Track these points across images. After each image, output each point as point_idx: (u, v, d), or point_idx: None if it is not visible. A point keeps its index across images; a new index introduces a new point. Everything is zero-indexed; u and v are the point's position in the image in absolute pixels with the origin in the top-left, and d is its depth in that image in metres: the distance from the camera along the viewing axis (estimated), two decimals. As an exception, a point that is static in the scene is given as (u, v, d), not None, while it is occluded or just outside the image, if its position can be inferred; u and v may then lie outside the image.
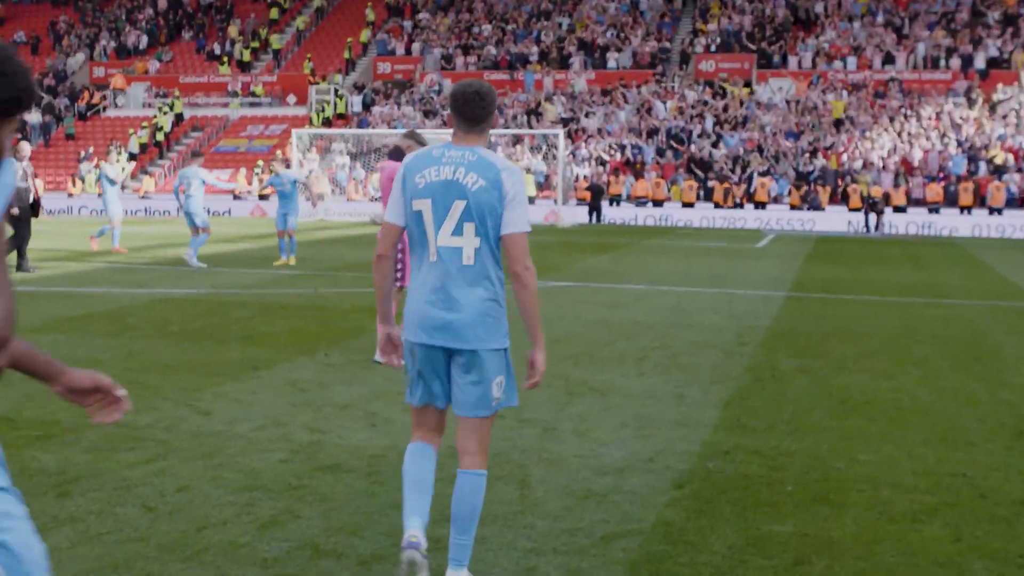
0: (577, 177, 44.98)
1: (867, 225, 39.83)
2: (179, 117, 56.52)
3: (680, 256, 27.31)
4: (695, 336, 14.05)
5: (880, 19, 54.18)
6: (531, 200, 44.71)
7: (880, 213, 39.51)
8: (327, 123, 53.29)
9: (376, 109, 53.32)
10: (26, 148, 21.37)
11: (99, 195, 28.75)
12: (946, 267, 25.97)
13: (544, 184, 45.32)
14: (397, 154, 11.68)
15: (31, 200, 21.17)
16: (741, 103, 49.62)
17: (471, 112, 5.35)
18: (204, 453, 7.87)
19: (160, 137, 54.85)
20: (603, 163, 46.18)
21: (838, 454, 8.17)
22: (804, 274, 23.07)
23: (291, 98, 56.86)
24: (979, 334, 14.98)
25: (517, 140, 48.37)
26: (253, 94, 57.82)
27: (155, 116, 55.60)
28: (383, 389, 10.27)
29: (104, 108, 58.91)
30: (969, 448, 8.45)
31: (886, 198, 40.53)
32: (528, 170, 46.08)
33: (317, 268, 22.39)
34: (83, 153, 52.41)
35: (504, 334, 5.36)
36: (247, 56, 60.79)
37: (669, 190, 44.31)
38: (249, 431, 8.58)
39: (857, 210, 42.01)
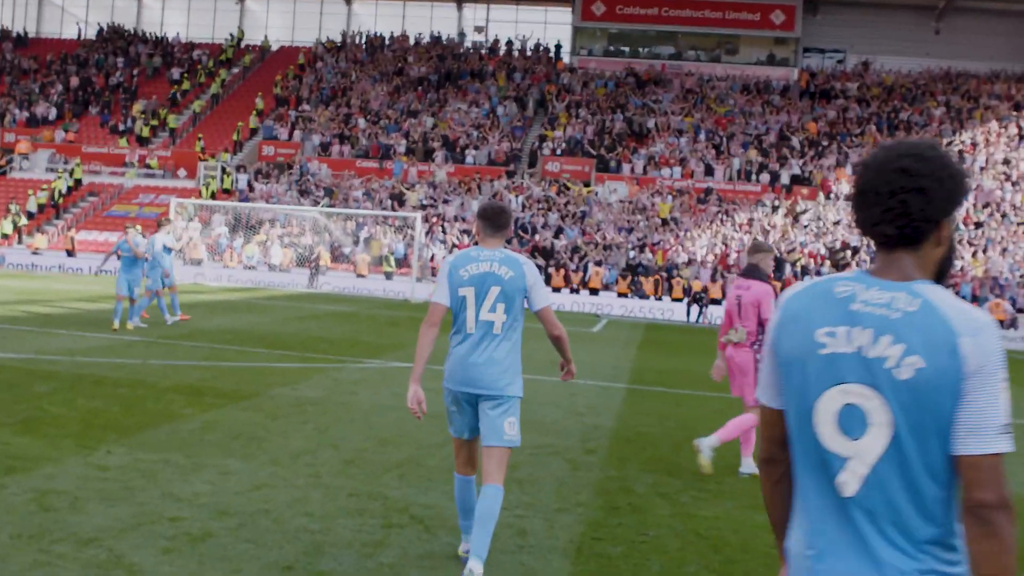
0: (433, 256, 41.87)
1: (688, 315, 37.32)
2: (78, 182, 52.01)
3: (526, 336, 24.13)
4: (538, 438, 10.89)
5: (702, 136, 52.47)
6: (390, 276, 41.44)
7: (703, 305, 37.05)
8: (213, 196, 49.31)
9: (258, 187, 49.59)
10: None
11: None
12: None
13: (403, 262, 42.04)
14: (753, 272, 10.50)
15: None
16: (582, 200, 47.27)
17: (496, 222, 6.42)
18: None
19: (57, 199, 50.31)
20: (455, 246, 43.13)
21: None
22: (640, 363, 20.10)
23: (182, 172, 52.77)
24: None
25: (381, 221, 45.06)
26: (148, 166, 53.57)
27: (54, 180, 51.09)
28: (148, 514, 6.81)
29: (8, 170, 54.03)
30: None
31: (705, 291, 38.25)
32: (389, 249, 42.85)
33: (163, 334, 18.70)
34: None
35: (520, 386, 6.34)
36: (146, 132, 56.51)
37: (514, 273, 41.35)
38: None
39: (679, 300, 39.69)
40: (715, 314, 37.46)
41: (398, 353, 18.31)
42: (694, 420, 13.26)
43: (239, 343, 18.08)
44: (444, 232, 44.23)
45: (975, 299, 39.52)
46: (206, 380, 13.58)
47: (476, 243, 6.50)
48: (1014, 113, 54.01)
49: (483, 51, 62.42)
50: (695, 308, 37.15)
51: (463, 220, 45.64)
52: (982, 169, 49.40)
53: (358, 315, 25.12)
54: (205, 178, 50.82)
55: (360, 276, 41.02)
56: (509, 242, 43.53)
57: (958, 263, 41.72)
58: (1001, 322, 37.41)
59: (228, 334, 19.40)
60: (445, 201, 47.48)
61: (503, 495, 6.25)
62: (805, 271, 41.13)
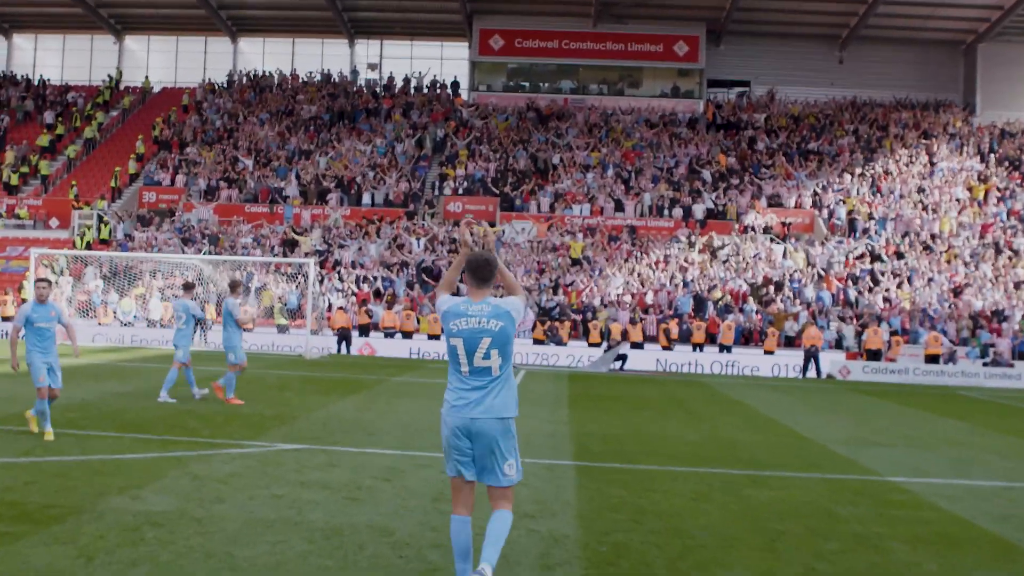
0: (330, 306, 38.07)
1: (613, 366, 33.91)
2: (-61, 236, 47.19)
3: (436, 399, 20.46)
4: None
5: (610, 172, 49.66)
6: (284, 329, 37.49)
7: (623, 355, 33.67)
8: (89, 247, 44.85)
9: (138, 235, 45.30)
10: None
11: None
12: (717, 413, 20.09)
13: (297, 313, 38.14)
14: None
15: None
16: (488, 241, 43.77)
17: (483, 275, 6.90)
18: None
19: (-85, 254, 45.46)
20: (355, 294, 39.39)
21: None
22: (579, 427, 16.62)
23: (54, 222, 48.21)
24: (838, 525, 8.80)
25: (272, 269, 41.14)
26: (17, 216, 48.89)
27: (-89, 234, 46.24)
28: None
29: None
30: None
31: (623, 335, 35.02)
32: (280, 299, 38.90)
33: (-13, 416, 14.74)
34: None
35: (515, 425, 6.91)
36: (15, 180, 51.82)
37: (418, 322, 37.75)
38: None
39: (596, 345, 36.49)
40: (640, 361, 34.24)
41: (286, 430, 14.62)
42: (677, 513, 9.88)
43: (83, 424, 14.22)
44: (341, 279, 40.48)
45: (905, 332, 37.09)
46: (14, 489, 9.81)
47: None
48: (923, 141, 52.34)
49: (377, 88, 58.98)
50: (617, 361, 33.75)
51: (361, 266, 41.96)
52: (902, 198, 47.38)
53: (242, 378, 21.32)
54: (80, 228, 46.40)
55: (246, 330, 36.83)
56: (411, 287, 40.01)
57: (880, 296, 39.34)
58: (938, 356, 34.93)
59: (72, 412, 15.48)
60: (341, 245, 43.74)
61: (512, 519, 6.80)
62: (728, 309, 38.31)
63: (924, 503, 11.29)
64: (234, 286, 18.62)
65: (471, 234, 7.58)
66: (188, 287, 19.34)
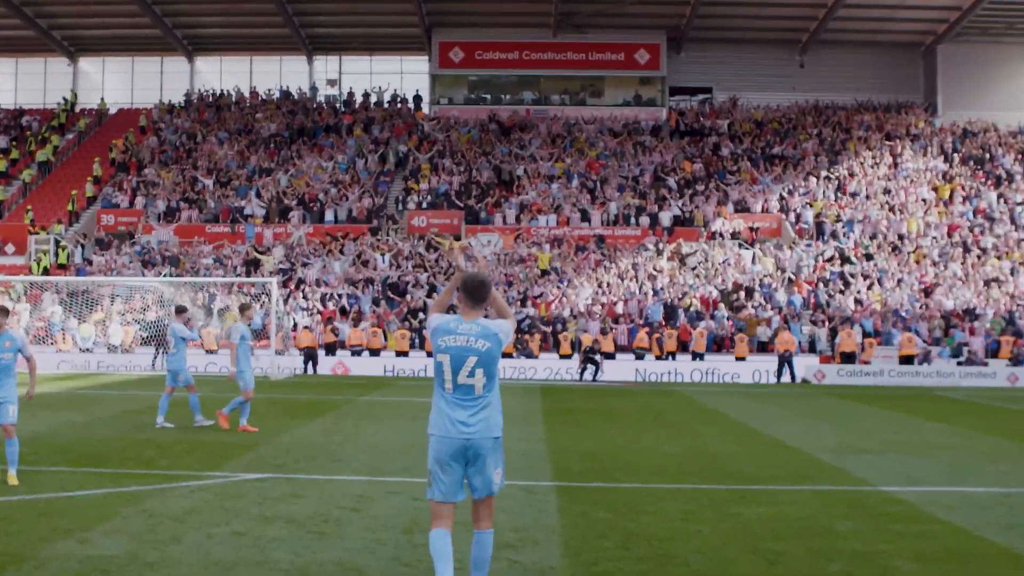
0: (296, 325, 37.17)
1: (582, 374, 33.29)
2: None
3: (405, 418, 19.75)
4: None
5: (575, 182, 49.09)
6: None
7: (596, 363, 33.07)
8: (46, 272, 43.77)
9: (96, 259, 44.26)
10: None
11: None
12: (695, 424, 19.48)
13: (261, 333, 37.18)
14: None
15: None
16: (453, 255, 43.08)
17: (478, 296, 7.00)
18: None
19: None
20: (320, 312, 38.52)
21: None
22: (555, 444, 15.96)
23: (10, 247, 47.06)
24: (838, 543, 8.19)
25: (236, 290, 40.21)
26: (-29, 243, 47.77)
27: None
28: None
29: None
30: None
31: (594, 345, 34.25)
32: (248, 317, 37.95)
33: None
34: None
35: (500, 439, 7.00)
36: (-31, 207, 50.70)
37: (385, 338, 36.95)
38: None
39: (567, 356, 35.86)
40: (602, 369, 33.55)
41: (248, 458, 13.85)
42: (667, 537, 9.23)
43: (32, 460, 13.39)
44: (306, 298, 39.62)
45: (877, 334, 36.73)
46: (-50, 536, 9.02)
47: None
48: (887, 143, 52.17)
49: (338, 104, 58.19)
50: (589, 367, 33.15)
51: (326, 284, 41.12)
52: (868, 199, 47.12)
53: (205, 402, 20.45)
54: (36, 253, 45.29)
55: (209, 352, 36.03)
56: (377, 304, 39.24)
57: (851, 298, 38.98)
58: (912, 358, 34.55)
59: (23, 447, 14.60)
60: (305, 263, 42.90)
61: (493, 536, 7.10)
62: (699, 316, 37.81)
63: (923, 514, 10.70)
64: (243, 309, 18.19)
65: (468, 259, 7.72)
66: (180, 311, 18.86)
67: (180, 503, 10.63)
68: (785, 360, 33.96)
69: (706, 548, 8.98)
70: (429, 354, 35.53)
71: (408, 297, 39.64)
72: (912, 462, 14.65)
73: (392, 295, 40.03)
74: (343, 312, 38.46)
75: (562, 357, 35.99)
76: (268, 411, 19.07)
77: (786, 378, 33.87)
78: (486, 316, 7.17)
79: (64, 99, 59.66)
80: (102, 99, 59.87)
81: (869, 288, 39.75)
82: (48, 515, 9.95)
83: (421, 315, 37.37)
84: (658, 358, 35.69)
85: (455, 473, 6.88)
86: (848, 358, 35.07)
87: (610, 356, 35.07)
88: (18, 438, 11.95)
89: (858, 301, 38.96)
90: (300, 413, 19.95)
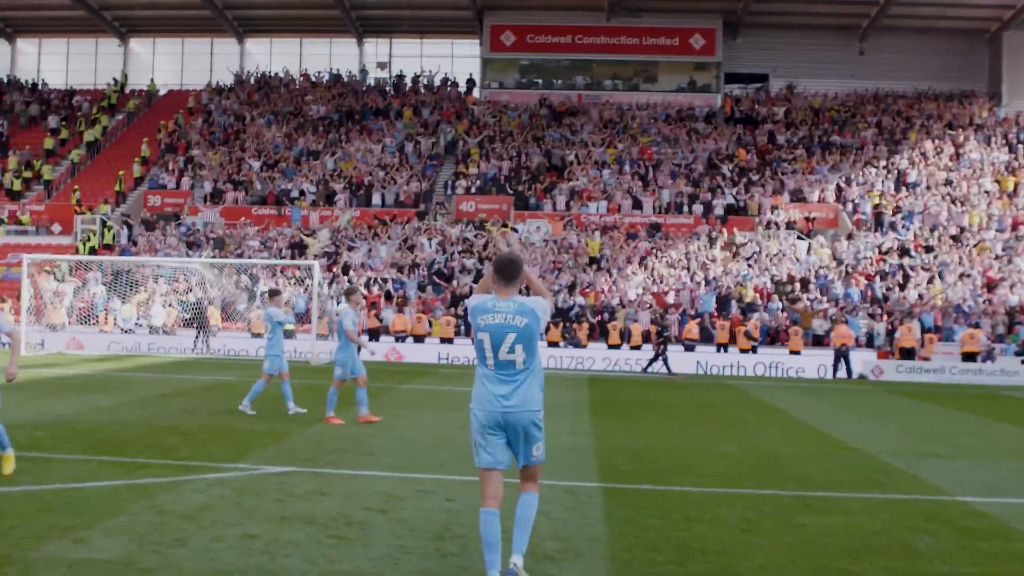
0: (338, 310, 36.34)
1: (652, 364, 31.85)
2: (-60, 243, 45.73)
3: (445, 408, 18.80)
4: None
5: (627, 168, 47.92)
6: (291, 335, 35.77)
7: (662, 351, 31.65)
8: (92, 252, 43.33)
9: (141, 240, 43.80)
10: None
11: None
12: (752, 421, 18.36)
13: (304, 317, 36.41)
14: None
15: None
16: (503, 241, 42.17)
17: (508, 273, 7.17)
18: None
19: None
20: (364, 297, 37.70)
21: None
22: (603, 440, 14.94)
23: (56, 227, 46.74)
24: (920, 564, 7.19)
25: (280, 272, 39.51)
26: (19, 222, 47.44)
27: (-90, 242, 44.79)
28: None
29: None
30: None
31: (660, 334, 32.51)
32: (287, 303, 37.23)
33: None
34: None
35: (542, 412, 7.16)
36: (18, 186, 50.42)
37: (430, 325, 36.09)
38: None
39: (616, 347, 34.80)
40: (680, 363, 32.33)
41: (274, 450, 12.95)
42: (726, 550, 8.19)
43: (48, 446, 12.60)
44: (350, 282, 38.83)
45: (938, 329, 35.29)
46: (-64, 532, 8.19)
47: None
48: (949, 132, 50.44)
49: (387, 87, 57.37)
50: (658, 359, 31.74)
51: (371, 268, 40.33)
52: (928, 190, 45.53)
53: (239, 387, 19.67)
54: (83, 232, 44.86)
55: (256, 335, 35.41)
56: (423, 289, 38.38)
57: (914, 291, 37.52)
58: (975, 355, 33.10)
59: (42, 430, 13.89)
60: (350, 247, 42.12)
61: (538, 499, 7.18)
62: (752, 307, 36.56)
63: (1011, 531, 9.57)
64: (349, 293, 16.97)
65: (507, 244, 6.67)
66: (273, 293, 17.70)
67: (194, 499, 9.75)
68: (842, 354, 32.68)
69: (770, 565, 7.94)
70: (378, 333, 35.28)
71: (455, 283, 38.74)
72: (989, 468, 13.48)
73: (438, 280, 39.15)
74: (388, 297, 37.64)
75: (610, 347, 34.92)
76: (303, 398, 18.18)
77: (842, 373, 32.61)
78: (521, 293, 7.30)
79: (114, 80, 59.38)
80: (152, 80, 59.52)
81: (930, 282, 38.25)
82: (49, 509, 9.10)
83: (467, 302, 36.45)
84: (743, 351, 34.30)
85: (498, 440, 7.05)
86: (907, 354, 33.71)
87: (690, 347, 34.12)
88: (40, 422, 11.11)
89: (919, 295, 37.48)
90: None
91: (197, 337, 34.98)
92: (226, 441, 13.57)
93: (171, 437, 13.75)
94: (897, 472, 12.84)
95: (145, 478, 10.78)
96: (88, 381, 22.10)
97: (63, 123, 55.24)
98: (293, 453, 12.71)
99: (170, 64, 61.36)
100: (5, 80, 60.39)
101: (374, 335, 35.17)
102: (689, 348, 34.45)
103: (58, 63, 62.04)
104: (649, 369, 31.89)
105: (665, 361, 31.51)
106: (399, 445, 13.74)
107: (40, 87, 59.49)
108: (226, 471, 11.36)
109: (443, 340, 35.00)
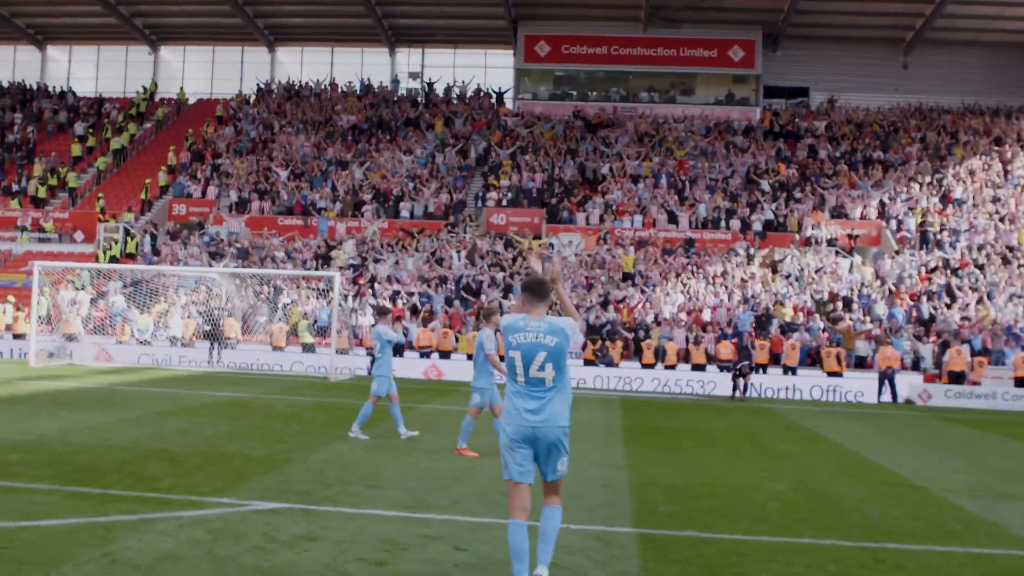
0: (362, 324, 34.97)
1: (735, 392, 29.98)
2: (-37, 250, 44.80)
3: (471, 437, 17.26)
4: None
5: (663, 182, 46.32)
6: (311, 348, 34.42)
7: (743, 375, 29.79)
8: (115, 261, 42.18)
9: (164, 249, 42.62)
10: None
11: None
12: (798, 452, 16.69)
13: (327, 330, 34.97)
14: None
15: None
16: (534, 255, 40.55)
17: (538, 292, 7.35)
18: None
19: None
20: (390, 312, 36.14)
21: None
22: (637, 474, 13.30)
23: (79, 235, 45.68)
24: None
25: (303, 284, 38.15)
26: (42, 229, 46.45)
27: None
28: None
29: None
30: None
31: (743, 366, 30.48)
32: (307, 315, 35.79)
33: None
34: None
35: (566, 428, 7.27)
36: (43, 193, 49.46)
37: (456, 341, 34.60)
38: None
39: (650, 366, 33.15)
40: (687, 380, 30.69)
41: (269, 480, 11.45)
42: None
43: (16, 473, 11.15)
44: (375, 295, 37.42)
45: (986, 352, 33.37)
46: None
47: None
48: (996, 148, 48.50)
49: (419, 98, 56.06)
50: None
51: (397, 280, 38.90)
52: (975, 207, 43.63)
53: (249, 405, 18.23)
54: (106, 241, 43.76)
55: (277, 348, 34.04)
56: (450, 303, 36.89)
57: (958, 313, 35.62)
58: (1027, 380, 31.18)
59: (17, 452, 12.46)
60: (377, 259, 40.72)
61: (562, 512, 7.28)
62: (792, 327, 34.79)
63: None
64: (488, 314, 15.17)
65: (543, 262, 5.62)
66: (383, 311, 16.59)
67: (159, 544, 8.24)
68: (887, 377, 30.90)
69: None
70: (502, 357, 32.87)
71: (483, 297, 37.25)
72: (1078, 514, 11.78)
73: (466, 295, 37.65)
74: (413, 311, 36.19)
75: (644, 366, 33.28)
76: (313, 419, 16.65)
77: (886, 396, 30.81)
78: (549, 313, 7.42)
79: (144, 87, 58.45)
80: (181, 89, 58.55)
81: (979, 302, 36.37)
82: (-10, 554, 7.64)
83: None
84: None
85: (525, 453, 7.19)
86: (956, 378, 31.86)
87: (700, 367, 32.34)
88: (18, 443, 9.71)
89: (965, 316, 35.61)
90: (348, 421, 17.38)
91: (212, 349, 33.67)
92: (216, 469, 12.09)
93: (156, 463, 12.28)
94: (972, 518, 11.18)
95: (112, 515, 9.29)
96: (87, 396, 20.73)
97: (90, 130, 54.33)
98: (288, 486, 11.19)
99: (200, 72, 60.38)
100: (35, 87, 59.60)
101: (397, 350, 33.69)
102: (724, 368, 32.70)
103: (88, 71, 61.24)
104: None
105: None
106: (410, 477, 12.20)
107: (69, 94, 58.64)
108: (208, 507, 9.87)
109: (469, 357, 33.47)
